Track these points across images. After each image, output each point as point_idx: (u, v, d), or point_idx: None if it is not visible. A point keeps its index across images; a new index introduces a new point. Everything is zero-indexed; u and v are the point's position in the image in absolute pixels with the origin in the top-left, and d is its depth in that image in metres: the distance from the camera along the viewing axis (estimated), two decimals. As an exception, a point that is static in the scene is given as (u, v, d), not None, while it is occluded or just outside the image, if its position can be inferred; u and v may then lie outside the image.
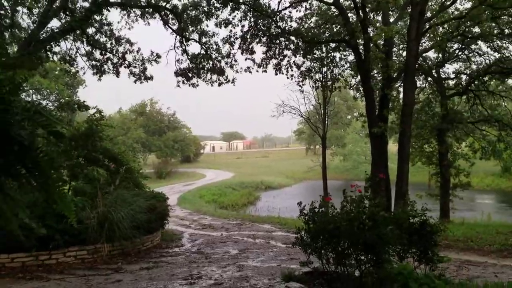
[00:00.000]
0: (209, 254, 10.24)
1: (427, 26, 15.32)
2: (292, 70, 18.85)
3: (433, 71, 19.40)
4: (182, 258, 9.73)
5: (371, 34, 15.60)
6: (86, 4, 16.92)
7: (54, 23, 16.34)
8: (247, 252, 10.38)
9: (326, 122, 24.67)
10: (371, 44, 15.57)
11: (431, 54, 19.72)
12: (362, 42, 15.62)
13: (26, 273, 8.05)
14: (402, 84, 16.53)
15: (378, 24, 16.75)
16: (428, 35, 17.37)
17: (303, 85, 20.29)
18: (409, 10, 15.05)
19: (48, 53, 15.85)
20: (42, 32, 14.98)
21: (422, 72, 19.25)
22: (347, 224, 5.41)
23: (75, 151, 12.28)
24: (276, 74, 18.69)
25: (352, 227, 5.38)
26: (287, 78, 18.88)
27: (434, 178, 20.56)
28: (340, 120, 54.83)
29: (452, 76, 20.24)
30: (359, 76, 18.51)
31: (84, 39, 18.02)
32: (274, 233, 13.78)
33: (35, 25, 15.80)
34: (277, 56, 18.26)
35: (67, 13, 16.62)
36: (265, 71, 18.61)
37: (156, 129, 65.49)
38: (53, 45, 15.74)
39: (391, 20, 16.96)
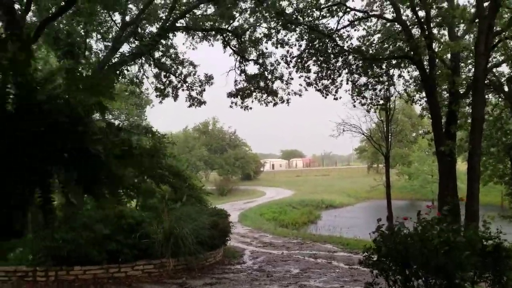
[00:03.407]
0: (271, 272, 10.22)
1: (497, 40, 14.61)
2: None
3: (505, 86, 18.37)
4: (244, 275, 9.79)
5: (436, 49, 15.15)
6: (154, 29, 17.94)
7: (124, 48, 17.60)
8: (308, 272, 10.26)
9: (390, 140, 24.02)
10: (437, 60, 15.11)
11: (505, 69, 18.71)
12: (427, 58, 15.20)
13: (97, 285, 8.44)
14: (471, 100, 15.81)
15: (443, 39, 16.24)
16: (499, 48, 16.55)
17: (356, 99, 19.97)
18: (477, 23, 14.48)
19: (120, 76, 16.86)
20: (114, 56, 16.03)
21: (492, 88, 18.30)
22: (419, 245, 5.25)
23: (142, 168, 12.85)
24: (324, 96, 18.65)
25: (424, 249, 5.21)
26: (335, 99, 18.83)
27: (507, 198, 19.28)
28: (405, 138, 53.07)
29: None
30: (423, 92, 18.02)
31: (151, 62, 19.06)
32: (336, 254, 13.51)
33: (107, 50, 16.97)
34: (328, 78, 18.25)
35: (137, 38, 17.67)
36: (318, 91, 18.69)
37: (218, 147, 66.99)
38: (124, 69, 16.75)
39: (458, 34, 16.39)
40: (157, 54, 19.20)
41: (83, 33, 15.59)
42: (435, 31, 16.17)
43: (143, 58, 18.62)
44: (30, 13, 14.10)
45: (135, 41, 17.75)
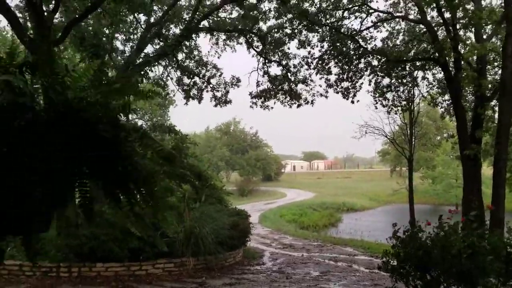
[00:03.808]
0: (290, 274, 10.21)
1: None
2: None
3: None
4: (263, 277, 9.80)
5: (462, 51, 14.86)
6: (178, 31, 18.12)
7: (148, 49, 17.87)
8: (328, 275, 10.20)
9: (413, 143, 23.66)
10: (462, 62, 14.83)
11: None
12: (452, 60, 14.93)
13: (119, 282, 8.58)
14: (497, 103, 15.44)
15: (469, 41, 15.91)
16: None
17: (378, 101, 19.67)
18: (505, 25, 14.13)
19: (144, 77, 17.05)
20: (138, 57, 16.26)
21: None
22: (441, 250, 5.17)
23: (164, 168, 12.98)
24: (345, 98, 18.48)
25: (446, 254, 5.13)
26: (352, 103, 18.61)
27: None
28: (429, 141, 52.15)
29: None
30: (447, 95, 17.72)
31: (174, 64, 19.25)
32: (357, 257, 13.41)
33: (132, 50, 17.21)
34: (350, 80, 18.08)
35: (161, 39, 17.89)
36: (337, 93, 18.53)
37: (239, 148, 67.20)
38: (148, 69, 16.96)
39: (485, 36, 16.04)
40: (180, 56, 19.40)
41: (109, 34, 15.84)
42: (461, 32, 15.86)
43: (167, 60, 18.82)
44: (58, 14, 14.44)
45: (160, 42, 17.97)
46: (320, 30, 17.01)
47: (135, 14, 17.17)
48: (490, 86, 15.21)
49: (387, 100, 19.66)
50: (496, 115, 15.00)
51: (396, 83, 19.15)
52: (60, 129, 2.93)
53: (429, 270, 5.41)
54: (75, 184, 3.25)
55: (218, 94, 20.12)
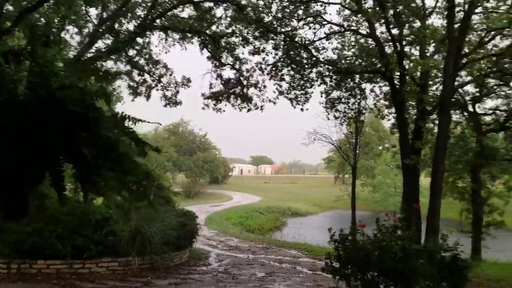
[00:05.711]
0: (236, 275, 10.31)
1: (465, 61, 15.26)
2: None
3: (470, 105, 19.15)
4: (209, 277, 9.85)
5: (407, 67, 15.68)
6: (131, 27, 17.79)
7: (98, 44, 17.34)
8: (273, 276, 10.41)
9: (357, 151, 24.58)
10: (407, 77, 15.63)
11: (470, 88, 19.48)
12: (398, 74, 15.71)
13: (60, 280, 8.31)
14: (437, 117, 16.41)
15: (413, 57, 16.81)
16: (466, 69, 17.27)
17: (330, 112, 20.38)
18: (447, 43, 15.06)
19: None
20: (89, 51, 15.81)
21: (458, 107, 19.03)
22: (379, 252, 5.48)
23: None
24: (294, 106, 18.97)
25: (384, 256, 5.44)
26: (301, 110, 19.20)
27: (465, 214, 20.05)
28: (371, 151, 54.16)
29: (490, 112, 19.84)
30: (393, 108, 18.56)
31: (124, 60, 18.83)
32: (301, 259, 13.73)
33: (81, 43, 16.69)
34: (301, 88, 18.55)
35: (113, 34, 17.45)
36: (289, 100, 18.96)
37: (187, 149, 66.55)
38: (98, 64, 16.51)
39: (428, 53, 17.00)
40: (131, 53, 19.01)
41: (59, 26, 15.27)
42: (406, 49, 16.72)
43: (118, 55, 18.38)
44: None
45: (111, 37, 17.53)
46: (275, 38, 17.33)
47: (86, 7, 16.63)
48: (431, 100, 16.13)
49: (338, 112, 20.33)
50: (435, 129, 15.95)
51: (346, 95, 19.84)
52: (39, 111, 2.94)
53: (369, 271, 5.71)
54: (49, 163, 3.25)
55: (168, 94, 19.94)
